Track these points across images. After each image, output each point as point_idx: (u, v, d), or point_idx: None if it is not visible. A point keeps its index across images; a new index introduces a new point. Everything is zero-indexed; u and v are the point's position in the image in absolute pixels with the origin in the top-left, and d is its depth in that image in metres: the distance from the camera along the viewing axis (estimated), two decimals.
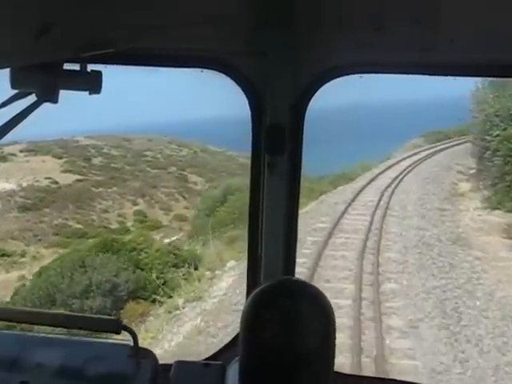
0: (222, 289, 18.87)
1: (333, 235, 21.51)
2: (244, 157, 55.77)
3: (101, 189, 47.15)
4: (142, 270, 23.62)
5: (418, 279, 17.90)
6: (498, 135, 28.91)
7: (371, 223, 23.24)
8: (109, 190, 47.22)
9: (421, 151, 47.29)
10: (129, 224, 43.24)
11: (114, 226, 43.05)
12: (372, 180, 33.48)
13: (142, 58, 2.90)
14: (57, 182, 46.52)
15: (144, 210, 45.51)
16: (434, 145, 50.96)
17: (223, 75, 2.97)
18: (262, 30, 2.62)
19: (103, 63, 2.74)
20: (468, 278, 18.06)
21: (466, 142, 49.45)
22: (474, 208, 27.66)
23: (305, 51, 2.74)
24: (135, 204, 46.12)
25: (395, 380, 3.44)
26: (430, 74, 2.94)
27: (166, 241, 35.22)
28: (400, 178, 33.81)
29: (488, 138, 29.63)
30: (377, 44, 2.57)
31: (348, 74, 2.96)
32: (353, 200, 27.62)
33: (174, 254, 24.53)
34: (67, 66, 2.63)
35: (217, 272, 21.26)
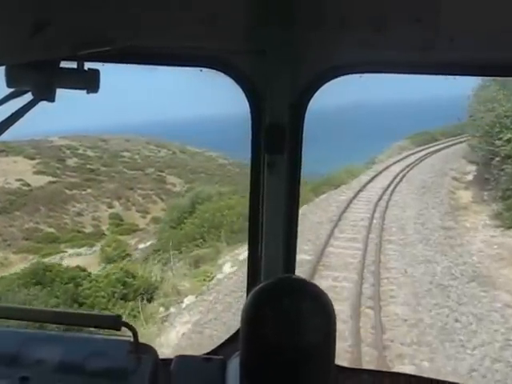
0: (170, 343, 14.07)
1: (317, 273, 16.34)
2: (224, 157, 55.73)
3: (75, 191, 45.73)
4: (81, 305, 19.36)
5: (444, 356, 12.19)
6: (510, 139, 25.26)
7: (365, 254, 18.39)
8: (83, 193, 45.88)
9: (410, 154, 45.80)
10: (104, 227, 41.16)
11: (89, 229, 41.07)
12: (360, 190, 30.21)
13: (140, 56, 2.91)
14: (28, 184, 44.85)
15: (120, 212, 44.30)
16: (422, 148, 49.56)
17: (222, 74, 2.97)
18: (262, 28, 2.62)
19: (101, 61, 2.72)
20: (505, 339, 12.97)
21: (455, 143, 48.72)
22: (483, 225, 23.27)
23: (305, 50, 2.76)
24: (111, 207, 44.70)
25: (397, 373, 3.42)
26: (430, 74, 2.96)
27: (141, 246, 33.42)
28: (392, 187, 31.25)
29: (498, 142, 26.06)
30: (377, 43, 2.57)
31: (348, 74, 2.97)
32: (339, 218, 23.18)
33: (123, 284, 19.92)
34: (64, 65, 2.60)
35: (171, 310, 17.19)
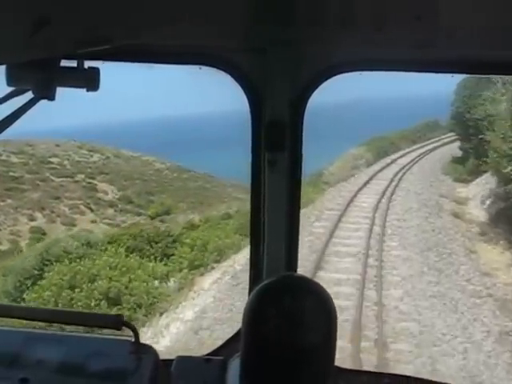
0: None
1: None
2: (161, 162, 53.17)
3: None
4: None
5: None
6: None
7: None
8: (1, 204, 40.25)
9: (375, 174, 36.57)
10: (23, 243, 36.23)
11: (5, 246, 36.11)
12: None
13: (140, 54, 2.94)
14: None
15: (43, 225, 39.47)
16: (386, 161, 41.97)
17: (222, 72, 3.01)
18: (262, 26, 2.66)
19: (100, 60, 2.76)
20: None
21: (425, 152, 46.25)
22: None
23: (305, 48, 2.81)
24: (32, 219, 40.50)
25: (397, 375, 3.46)
26: (429, 72, 3.03)
27: None
28: (376, 249, 20.77)
29: None
30: (377, 41, 2.63)
31: (348, 72, 3.03)
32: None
33: None
34: (64, 63, 2.63)
35: None
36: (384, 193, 30.07)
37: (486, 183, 30.94)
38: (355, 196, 29.29)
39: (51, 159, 49.78)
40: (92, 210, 44.09)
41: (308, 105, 3.06)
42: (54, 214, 43.03)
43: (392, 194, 30.01)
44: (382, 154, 44.38)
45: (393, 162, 41.77)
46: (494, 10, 2.39)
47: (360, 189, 31.30)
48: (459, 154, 41.78)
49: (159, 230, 27.40)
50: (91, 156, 52.15)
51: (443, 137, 51.70)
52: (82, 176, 48.17)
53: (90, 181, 47.79)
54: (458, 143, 43.19)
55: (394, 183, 33.28)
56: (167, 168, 52.40)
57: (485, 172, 31.56)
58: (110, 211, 44.30)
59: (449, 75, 3.07)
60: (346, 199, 28.31)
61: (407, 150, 48.08)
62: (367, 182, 33.32)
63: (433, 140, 52.49)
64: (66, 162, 50.01)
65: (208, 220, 30.75)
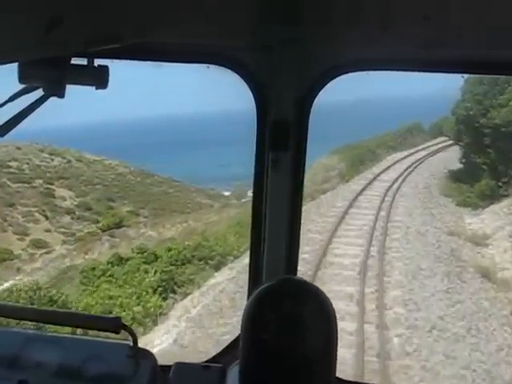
0: None
1: None
2: (124, 166, 51.35)
3: None
4: None
5: None
6: None
7: None
8: None
9: (357, 194, 28.65)
10: None
11: None
12: None
13: (148, 53, 2.97)
14: None
15: None
16: (365, 175, 35.48)
17: (229, 70, 3.05)
18: (269, 25, 2.69)
19: (110, 58, 2.80)
20: None
21: (412, 165, 37.95)
22: None
23: (311, 47, 2.85)
24: None
25: None
26: (437, 71, 3.07)
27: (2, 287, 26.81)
28: None
29: None
30: (384, 41, 2.66)
31: (354, 71, 3.06)
32: None
33: None
34: (74, 61, 2.67)
35: None
36: (371, 240, 19.71)
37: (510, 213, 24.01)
38: (326, 246, 18.28)
39: (10, 163, 47.88)
40: (47, 218, 42.47)
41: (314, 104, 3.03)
42: (7, 222, 41.20)
43: (384, 240, 19.97)
44: (357, 164, 37.99)
45: (375, 178, 33.89)
46: (502, 9, 2.38)
47: (335, 230, 21.23)
48: (457, 166, 35.52)
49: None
50: (52, 160, 50.46)
51: (430, 144, 46.24)
52: (40, 181, 46.37)
53: (48, 186, 46.10)
54: (452, 153, 38.33)
55: (383, 212, 24.65)
56: (130, 172, 50.97)
57: (506, 196, 26.10)
58: (67, 219, 42.58)
59: (454, 75, 3.16)
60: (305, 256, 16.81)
61: (389, 159, 40.97)
62: (343, 218, 23.05)
63: (418, 148, 45.45)
64: (25, 167, 48.14)
65: (142, 250, 26.54)
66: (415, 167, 37.84)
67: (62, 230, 41.00)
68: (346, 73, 3.04)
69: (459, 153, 36.67)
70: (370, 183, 32.20)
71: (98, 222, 41.33)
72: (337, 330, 2.16)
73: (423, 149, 44.12)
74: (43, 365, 2.76)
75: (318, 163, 36.41)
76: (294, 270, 3.14)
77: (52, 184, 46.34)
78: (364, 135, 44.72)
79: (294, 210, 3.08)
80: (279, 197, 3.03)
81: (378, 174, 34.95)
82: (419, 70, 3.08)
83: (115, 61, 2.90)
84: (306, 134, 3.05)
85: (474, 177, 31.35)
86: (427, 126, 48.48)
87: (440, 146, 42.94)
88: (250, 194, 46.41)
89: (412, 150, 43.72)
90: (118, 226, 37.12)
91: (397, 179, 33.25)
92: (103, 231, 36.61)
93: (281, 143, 2.95)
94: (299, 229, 3.13)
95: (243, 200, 44.66)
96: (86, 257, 32.33)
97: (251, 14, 2.70)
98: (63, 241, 38.64)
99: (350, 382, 3.26)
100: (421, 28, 2.49)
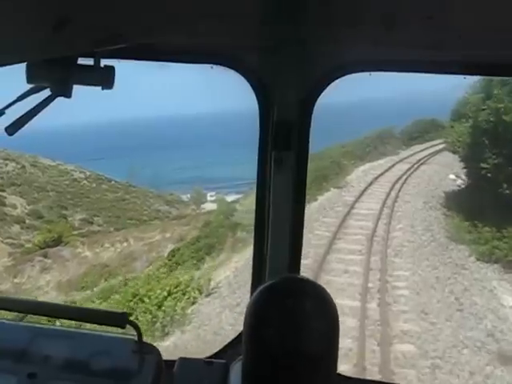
0: None
1: None
2: (80, 171, 49.10)
3: None
4: None
5: None
6: None
7: None
8: None
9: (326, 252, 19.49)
10: None
11: None
12: None
13: (153, 53, 3.00)
14: None
15: None
16: (331, 203, 26.08)
17: (232, 70, 3.09)
18: (272, 25, 2.71)
19: (116, 58, 2.83)
20: None
21: (393, 186, 28.56)
22: None
23: (315, 48, 2.89)
24: None
25: None
26: (440, 73, 3.08)
27: None
28: None
29: None
30: (387, 41, 2.64)
31: (357, 72, 3.10)
32: None
33: None
34: (81, 61, 2.71)
35: None
36: None
37: None
38: None
39: None
40: None
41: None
42: None
43: None
44: (320, 180, 28.58)
45: (350, 210, 24.37)
46: (507, 10, 2.32)
47: None
48: (451, 187, 28.03)
49: None
50: (6, 165, 48.19)
51: (406, 154, 38.68)
52: None
53: None
54: (434, 166, 32.74)
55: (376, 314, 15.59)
56: (86, 178, 49.05)
57: None
58: (16, 228, 40.43)
59: (457, 76, 3.15)
60: None
61: (360, 173, 32.90)
62: None
63: (391, 157, 37.53)
64: None
65: None
66: (400, 188, 28.79)
67: (9, 240, 38.83)
68: (350, 73, 3.08)
69: (444, 166, 31.08)
70: (343, 222, 22.70)
71: (49, 231, 39.18)
72: (338, 328, 2.19)
73: (400, 160, 35.97)
74: (51, 358, 2.84)
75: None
76: (297, 269, 3.19)
77: (3, 191, 44.32)
78: (328, 142, 36.98)
79: (297, 209, 3.14)
80: (282, 196, 3.07)
81: (353, 206, 25.02)
82: (422, 71, 3.12)
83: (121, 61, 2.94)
84: (309, 134, 3.09)
85: (500, 211, 20.90)
86: (400, 132, 43.17)
87: (418, 156, 36.42)
88: (209, 197, 45.44)
89: (382, 161, 36.27)
90: (56, 242, 33.22)
91: (381, 212, 24.17)
92: (41, 248, 33.02)
93: (284, 143, 2.99)
94: (302, 228, 3.19)
95: (202, 206, 42.96)
96: (15, 280, 29.27)
97: (255, 15, 2.69)
98: (9, 253, 36.39)
99: (350, 378, 3.35)
100: (424, 29, 2.44)
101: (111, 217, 42.71)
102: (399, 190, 28.03)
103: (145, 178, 48.01)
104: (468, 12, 2.37)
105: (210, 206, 38.96)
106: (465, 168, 26.05)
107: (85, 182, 48.41)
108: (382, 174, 31.61)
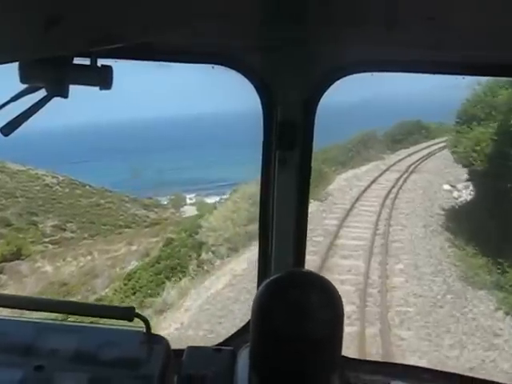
0: None
1: None
2: (53, 176, 46.93)
3: None
4: None
5: None
6: None
7: None
8: None
9: None
10: None
11: None
12: None
13: (152, 53, 3.00)
14: None
15: None
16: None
17: (234, 71, 3.11)
18: (275, 25, 2.71)
19: (113, 58, 2.80)
20: None
21: (384, 201, 24.23)
22: None
23: (317, 48, 2.92)
24: None
25: (404, 364, 3.64)
26: (441, 73, 3.11)
27: None
28: None
29: None
30: (389, 42, 2.70)
31: (359, 72, 3.11)
32: None
33: None
34: (77, 61, 2.68)
35: None
36: None
37: None
38: None
39: None
40: None
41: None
42: None
43: None
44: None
45: (333, 241, 19.44)
46: (507, 11, 2.38)
47: None
48: (452, 200, 24.13)
49: None
50: None
51: (398, 158, 35.24)
52: None
53: None
54: (425, 174, 29.23)
55: None
56: (59, 183, 47.23)
57: None
58: None
59: (459, 77, 3.18)
60: None
61: (342, 182, 29.33)
62: None
63: (380, 165, 33.71)
64: None
65: None
66: (391, 205, 24.14)
67: None
68: (353, 73, 3.12)
69: (435, 175, 27.85)
70: (324, 262, 17.54)
71: (7, 244, 36.92)
72: (343, 315, 2.27)
73: (387, 169, 31.84)
74: (59, 351, 2.85)
75: (241, 192, 25.38)
76: (302, 263, 3.28)
77: None
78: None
79: (301, 207, 3.22)
80: (286, 195, 3.14)
81: (337, 234, 20.10)
82: (423, 72, 3.17)
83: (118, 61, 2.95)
84: (313, 134, 3.14)
85: None
86: (383, 135, 39.44)
87: (406, 162, 33.00)
88: (188, 200, 43.79)
89: (365, 168, 33.03)
90: (17, 256, 30.79)
91: (373, 244, 19.25)
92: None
93: (287, 143, 3.04)
94: (306, 225, 3.27)
95: (182, 209, 41.62)
96: None
97: (257, 14, 2.67)
98: None
99: (355, 359, 3.46)
100: (426, 29, 2.48)
101: (85, 223, 41.16)
102: (391, 208, 23.37)
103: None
104: (468, 12, 2.36)
105: (189, 210, 38.27)
106: (474, 185, 21.76)
107: (57, 187, 46.78)
108: (368, 187, 27.22)
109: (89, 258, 28.94)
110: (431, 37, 2.49)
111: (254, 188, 23.19)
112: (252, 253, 18.02)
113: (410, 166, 31.79)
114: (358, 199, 24.89)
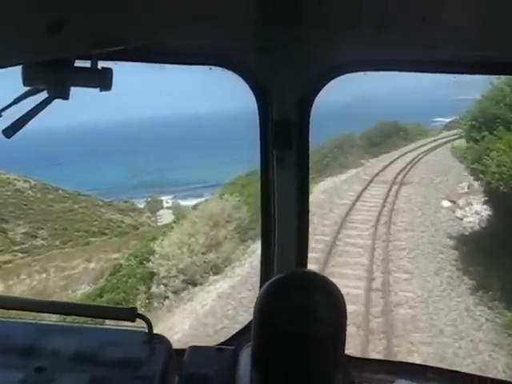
0: None
1: None
2: (24, 180, 45.30)
3: None
4: None
5: None
6: None
7: None
8: None
9: None
10: None
11: None
12: None
13: (151, 55, 3.04)
14: None
15: None
16: None
17: (230, 71, 3.15)
18: (270, 26, 2.77)
19: (113, 60, 2.85)
20: None
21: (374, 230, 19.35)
22: None
23: (311, 48, 2.98)
24: None
25: (407, 362, 3.81)
26: (435, 72, 3.19)
27: None
28: None
29: None
30: (382, 42, 2.71)
31: (353, 71, 3.17)
32: None
33: None
34: (78, 63, 2.75)
35: None
36: None
37: None
38: None
39: None
40: None
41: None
42: None
43: None
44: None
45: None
46: (499, 10, 2.38)
47: None
48: (457, 223, 19.51)
49: None
50: None
51: (383, 164, 31.26)
52: None
53: None
54: (417, 187, 25.06)
55: None
56: (31, 187, 45.67)
57: None
58: None
59: (451, 76, 3.25)
60: None
61: (322, 197, 24.16)
62: None
63: (360, 172, 30.30)
64: None
65: None
66: (387, 239, 18.82)
67: None
68: (346, 73, 3.16)
69: (428, 187, 24.43)
70: None
71: None
72: (346, 315, 2.28)
73: (371, 180, 27.04)
74: (60, 352, 2.85)
75: (201, 210, 22.36)
76: (305, 263, 3.30)
77: None
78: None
79: (302, 205, 3.24)
80: (286, 193, 3.16)
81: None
82: (418, 71, 3.22)
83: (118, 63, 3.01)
84: (308, 132, 3.18)
85: None
86: (360, 138, 36.23)
87: (391, 171, 28.88)
88: (165, 203, 42.52)
89: (344, 176, 29.06)
90: None
91: (368, 313, 13.98)
92: None
93: (284, 142, 3.07)
94: (307, 223, 3.29)
95: (158, 213, 40.32)
96: None
97: (251, 15, 2.72)
98: None
99: (358, 358, 3.45)
100: (419, 29, 2.48)
101: (57, 229, 40.04)
102: (387, 241, 18.22)
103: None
104: (461, 12, 2.44)
105: (165, 214, 37.94)
106: (482, 200, 17.25)
107: (29, 192, 45.26)
108: (353, 206, 22.26)
109: (43, 275, 27.28)
110: (424, 36, 2.54)
111: (217, 205, 21.76)
112: (216, 286, 16.12)
113: (397, 176, 27.74)
114: (341, 225, 19.85)
